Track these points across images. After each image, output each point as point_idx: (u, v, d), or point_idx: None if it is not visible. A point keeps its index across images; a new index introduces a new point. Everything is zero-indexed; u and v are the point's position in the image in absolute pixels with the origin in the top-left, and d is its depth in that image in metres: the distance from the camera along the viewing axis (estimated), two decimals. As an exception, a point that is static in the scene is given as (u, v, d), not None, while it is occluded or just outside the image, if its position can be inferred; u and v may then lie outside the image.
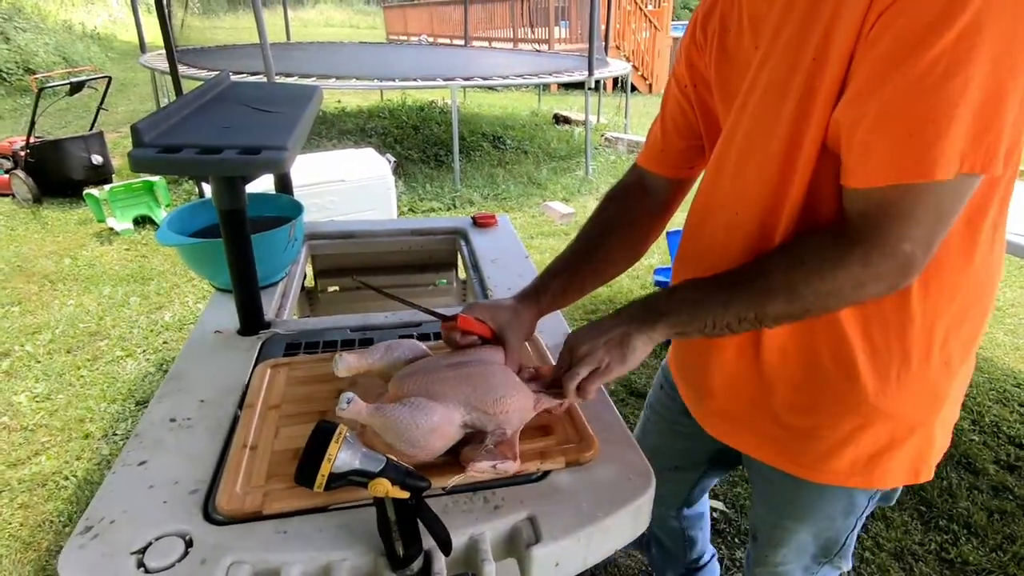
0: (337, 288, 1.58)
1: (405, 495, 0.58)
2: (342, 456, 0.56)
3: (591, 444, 0.78)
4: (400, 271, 1.58)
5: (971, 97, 0.51)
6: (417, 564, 0.62)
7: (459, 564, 0.67)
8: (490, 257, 1.38)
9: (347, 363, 0.77)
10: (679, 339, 0.66)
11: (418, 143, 5.67)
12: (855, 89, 0.57)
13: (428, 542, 0.63)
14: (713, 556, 1.33)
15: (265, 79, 3.86)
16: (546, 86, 9.39)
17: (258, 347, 1.00)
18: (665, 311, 0.70)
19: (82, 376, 2.40)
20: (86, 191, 3.76)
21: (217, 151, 0.85)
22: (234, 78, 4.18)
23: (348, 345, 1.03)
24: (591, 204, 4.49)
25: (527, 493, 0.72)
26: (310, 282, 1.59)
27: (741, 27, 0.70)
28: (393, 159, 3.72)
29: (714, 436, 0.90)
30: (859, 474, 0.78)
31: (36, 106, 3.92)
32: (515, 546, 0.68)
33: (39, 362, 2.49)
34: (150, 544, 0.63)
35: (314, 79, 4.12)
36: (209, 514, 0.68)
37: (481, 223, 1.54)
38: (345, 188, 3.31)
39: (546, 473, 0.75)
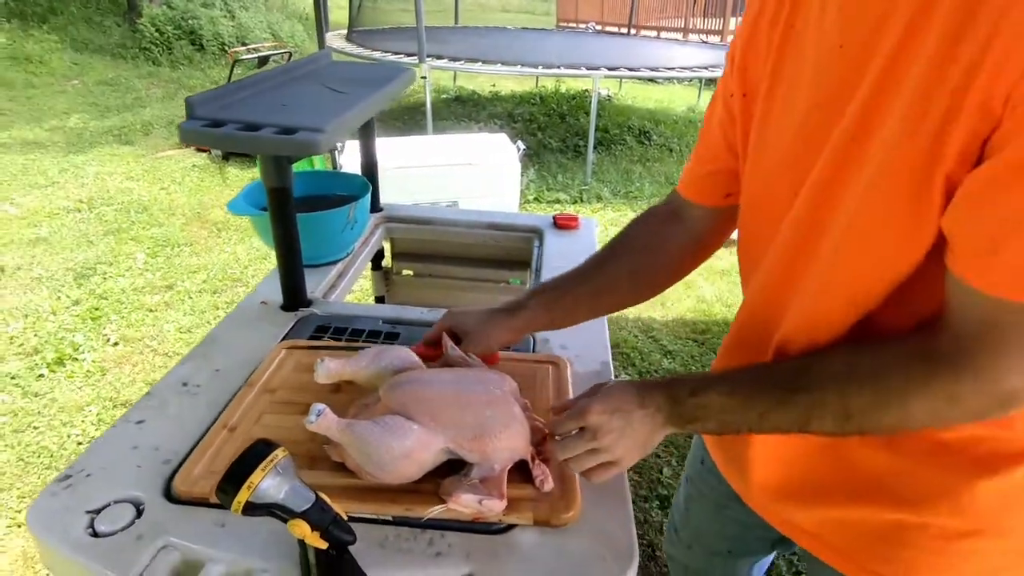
0: (411, 272, 1.58)
1: (323, 545, 0.53)
2: (265, 486, 0.51)
3: (572, 504, 0.66)
4: (474, 264, 1.54)
5: None
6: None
7: (384, 607, 0.60)
8: (556, 262, 1.28)
9: (327, 369, 0.73)
10: None
11: (561, 132, 5.60)
12: (995, 165, 0.42)
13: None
14: None
15: (418, 59, 4.04)
16: (711, 82, 8.75)
17: (291, 324, 1.02)
18: (692, 417, 0.59)
19: (219, 316, 2.72)
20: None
21: (257, 128, 0.85)
22: (391, 58, 4.42)
23: (374, 336, 1.00)
24: (732, 213, 4.10)
25: (479, 545, 0.63)
26: (388, 263, 1.61)
27: (823, 16, 0.52)
28: (523, 146, 3.69)
29: (765, 519, 0.73)
30: None
31: (231, 75, 4.52)
32: (443, 605, 0.60)
33: (191, 298, 2.88)
34: (107, 506, 0.66)
35: (462, 62, 4.23)
36: (170, 489, 0.68)
37: (562, 224, 1.44)
38: (471, 172, 3.36)
39: (510, 527, 0.65)
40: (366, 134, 1.40)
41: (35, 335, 2.55)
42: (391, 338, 1.00)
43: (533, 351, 0.98)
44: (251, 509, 0.51)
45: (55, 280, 3.00)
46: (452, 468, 0.68)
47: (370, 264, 1.60)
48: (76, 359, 2.38)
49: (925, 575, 0.59)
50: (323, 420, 0.62)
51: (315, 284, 1.14)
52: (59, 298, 2.84)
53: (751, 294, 0.66)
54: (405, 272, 1.59)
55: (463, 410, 0.67)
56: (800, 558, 0.79)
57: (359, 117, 1.00)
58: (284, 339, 0.98)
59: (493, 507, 0.62)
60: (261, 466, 0.51)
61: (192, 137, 0.85)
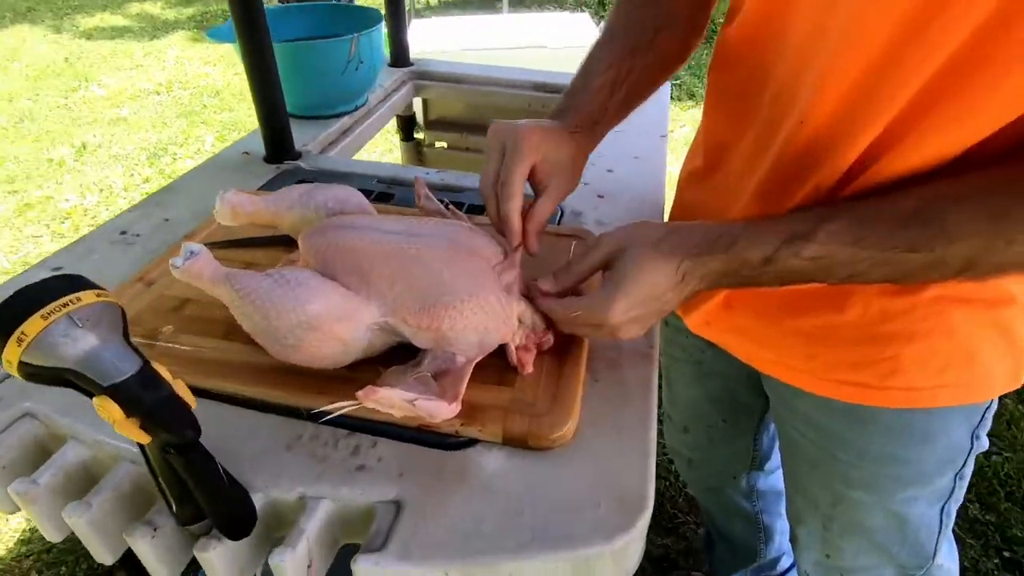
0: (445, 144, 1.35)
1: (144, 439, 0.35)
2: (52, 340, 0.32)
3: (565, 420, 0.45)
4: (517, 136, 1.28)
5: None
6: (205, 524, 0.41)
7: (283, 525, 0.44)
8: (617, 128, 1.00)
9: (229, 204, 0.53)
10: None
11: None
12: None
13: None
14: (794, 566, 0.96)
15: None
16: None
17: (269, 177, 0.84)
18: (752, 283, 0.44)
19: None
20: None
21: None
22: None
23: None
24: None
25: (419, 462, 0.44)
26: (421, 135, 1.39)
27: None
28: (609, 28, 3.23)
29: (731, 351, 0.63)
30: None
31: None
32: (352, 535, 0.42)
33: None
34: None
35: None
36: (58, 347, 0.54)
37: (627, 85, 1.14)
38: (545, 54, 2.98)
39: (473, 442, 0.46)
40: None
41: (106, 209, 2.61)
42: (383, 199, 0.80)
43: (559, 223, 0.75)
44: (33, 373, 0.33)
45: (130, 159, 3.05)
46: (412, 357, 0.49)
47: (400, 135, 1.39)
48: (139, 234, 2.41)
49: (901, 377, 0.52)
50: (194, 263, 0.43)
51: (311, 137, 0.95)
52: (132, 175, 2.89)
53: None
54: (439, 144, 1.36)
55: (408, 267, 0.46)
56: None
57: None
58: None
59: (433, 410, 0.42)
60: (42, 312, 0.33)
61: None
